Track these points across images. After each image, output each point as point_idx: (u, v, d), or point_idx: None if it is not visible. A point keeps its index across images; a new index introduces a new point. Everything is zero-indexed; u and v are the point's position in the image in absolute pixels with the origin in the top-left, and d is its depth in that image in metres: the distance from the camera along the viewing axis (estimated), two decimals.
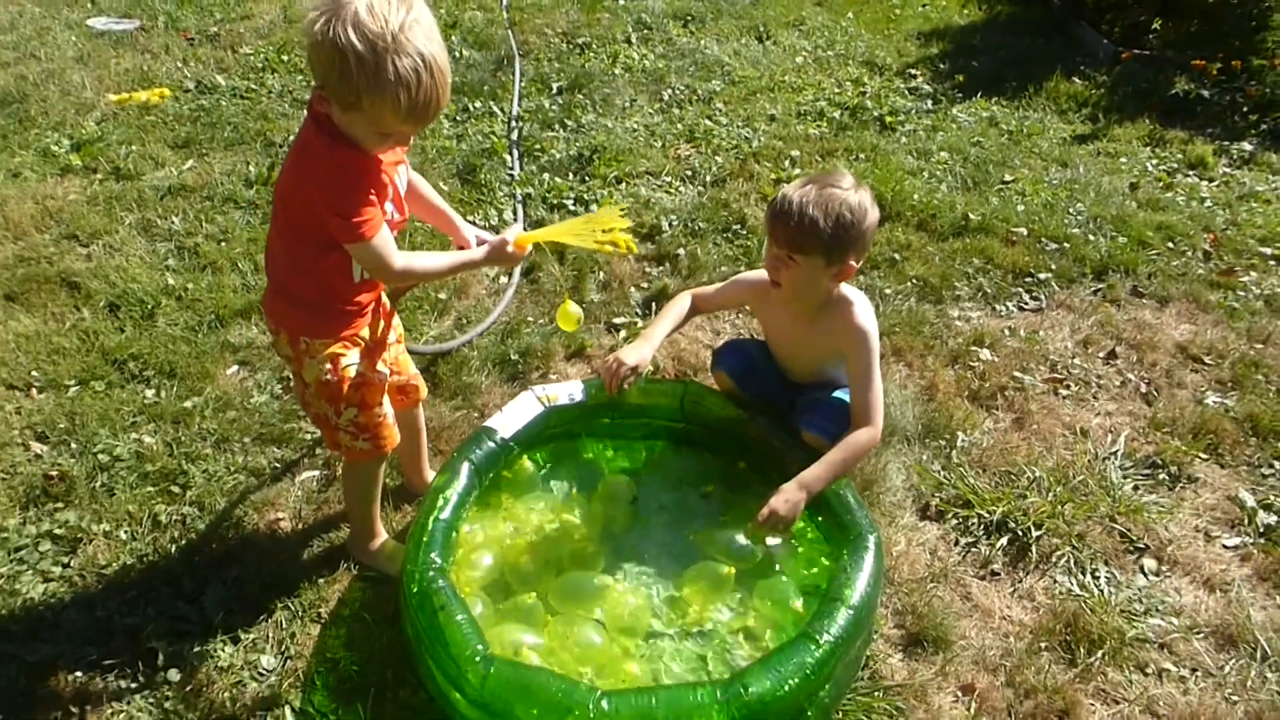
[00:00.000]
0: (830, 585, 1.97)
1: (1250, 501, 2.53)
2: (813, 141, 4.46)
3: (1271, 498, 2.55)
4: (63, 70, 4.94)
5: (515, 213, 3.68)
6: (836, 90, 5.09)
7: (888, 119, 4.74)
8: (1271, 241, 3.76)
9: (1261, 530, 2.45)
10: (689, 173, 4.13)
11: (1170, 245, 3.72)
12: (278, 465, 2.56)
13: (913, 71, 5.40)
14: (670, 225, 3.68)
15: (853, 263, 2.18)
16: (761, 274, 2.35)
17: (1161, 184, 4.23)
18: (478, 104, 4.69)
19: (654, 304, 3.26)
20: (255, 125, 4.40)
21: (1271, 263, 3.64)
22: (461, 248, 2.08)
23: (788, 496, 2.12)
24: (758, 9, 6.33)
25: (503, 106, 4.68)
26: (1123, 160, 4.44)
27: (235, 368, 2.92)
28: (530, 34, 5.65)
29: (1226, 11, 5.77)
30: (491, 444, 2.27)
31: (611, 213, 2.15)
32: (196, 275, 3.32)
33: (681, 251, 3.51)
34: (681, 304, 2.50)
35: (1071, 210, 3.93)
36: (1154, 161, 4.45)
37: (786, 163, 4.20)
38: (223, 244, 3.50)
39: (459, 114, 4.57)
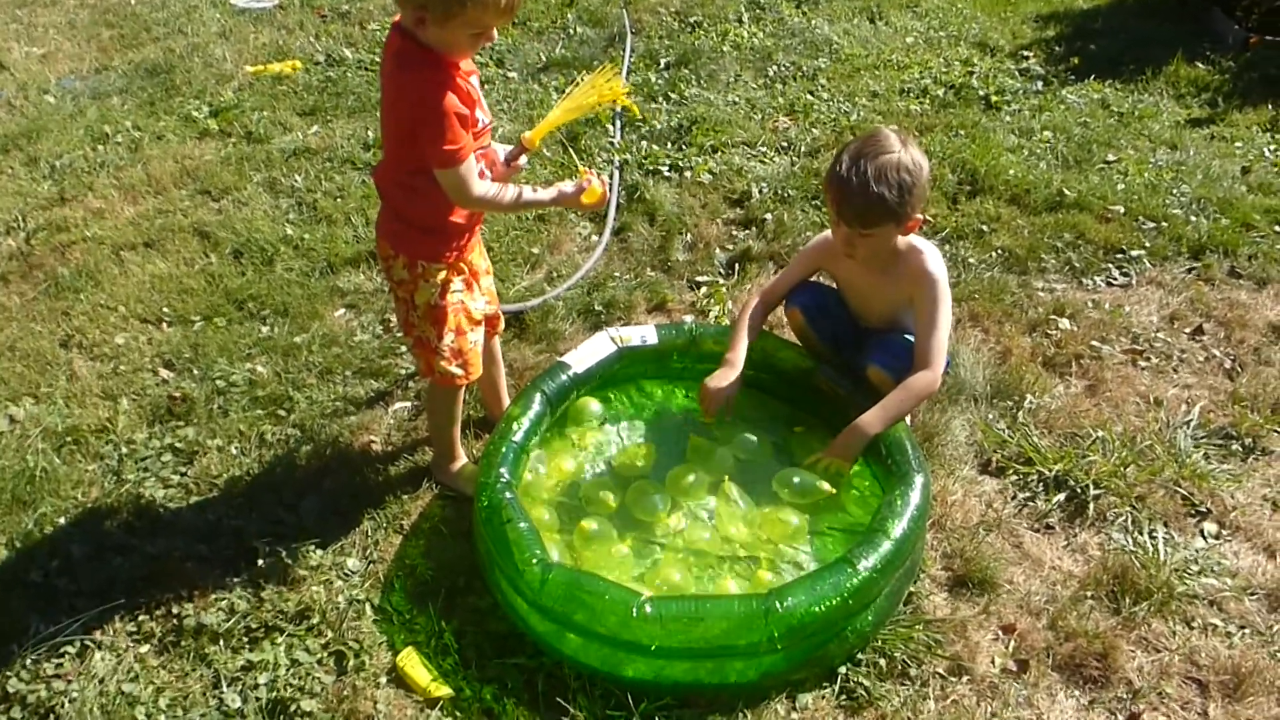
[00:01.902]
0: (875, 517, 2.05)
1: None
2: (913, 117, 4.47)
3: None
4: (206, 44, 5.34)
5: (611, 177, 3.82)
6: (944, 70, 5.06)
7: (993, 98, 4.69)
8: None
9: None
10: (784, 144, 4.20)
11: (1277, 229, 3.60)
12: (373, 395, 2.78)
13: (1025, 53, 5.31)
14: (760, 192, 3.77)
15: (919, 215, 2.24)
16: (824, 236, 2.44)
17: (1277, 169, 4.07)
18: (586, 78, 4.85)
19: (737, 265, 3.36)
20: (376, 95, 4.67)
21: None
22: (492, 163, 2.17)
23: (846, 439, 2.22)
24: None
25: None
26: (1238, 145, 4.29)
27: (342, 310, 3.17)
28: (644, 12, 5.79)
29: None
30: (564, 377, 2.43)
31: (605, 74, 2.22)
32: (313, 227, 3.59)
33: (769, 216, 3.60)
34: (752, 311, 2.51)
35: (1175, 191, 3.84)
36: (1272, 147, 4.28)
37: None
38: (339, 200, 3.76)
39: (568, 87, 4.74)
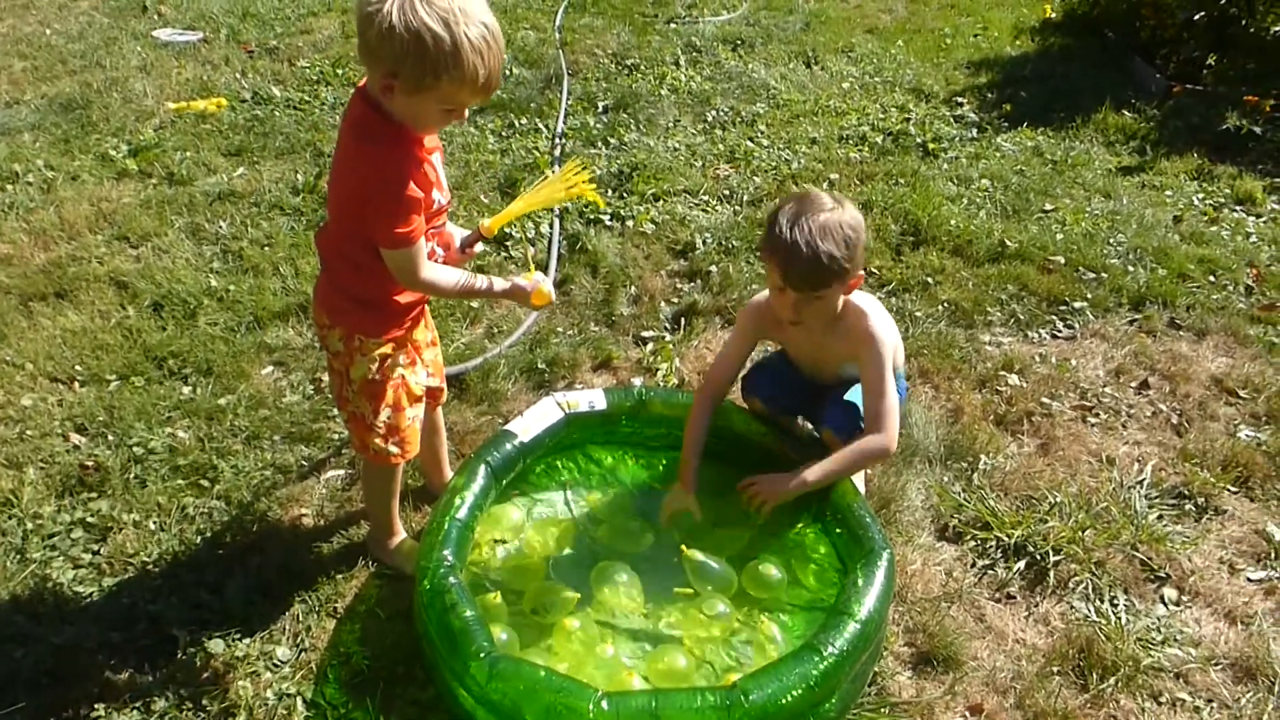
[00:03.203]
0: (839, 598, 1.97)
1: (1278, 535, 2.48)
2: (853, 165, 4.47)
3: None
4: (126, 79, 5.13)
5: (551, 227, 3.72)
6: (881, 116, 5.09)
7: (931, 145, 4.73)
8: None
9: None
10: (726, 192, 4.16)
11: (1212, 279, 3.66)
12: (304, 463, 2.62)
13: (960, 99, 5.39)
14: (704, 243, 3.71)
15: (860, 273, 2.19)
16: (756, 304, 2.38)
17: (1207, 218, 4.16)
18: (523, 120, 4.77)
19: (683, 319, 3.28)
20: (306, 135, 4.52)
21: None
22: (446, 245, 2.10)
23: (776, 478, 2.18)
24: (808, 35, 6.36)
25: (548, 124, 4.75)
26: (1168, 193, 4.38)
27: (270, 368, 3.00)
28: (581, 54, 5.74)
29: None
30: (510, 447, 2.31)
31: (572, 167, 2.17)
32: (239, 278, 3.42)
33: (714, 269, 3.54)
34: (699, 412, 2.39)
35: (1112, 241, 3.88)
36: (1200, 195, 4.38)
37: (824, 184, 4.22)
38: (266, 249, 3.59)
39: (504, 129, 4.66)
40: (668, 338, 3.19)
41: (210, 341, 3.08)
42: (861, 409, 2.27)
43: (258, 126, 4.63)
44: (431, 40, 1.60)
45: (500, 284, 2.04)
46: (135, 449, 2.64)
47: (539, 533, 2.31)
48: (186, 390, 2.88)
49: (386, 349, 2.02)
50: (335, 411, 2.76)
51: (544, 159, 4.31)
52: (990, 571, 2.35)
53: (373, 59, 1.69)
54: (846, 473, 2.20)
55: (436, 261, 1.98)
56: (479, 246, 2.14)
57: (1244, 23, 5.88)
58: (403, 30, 1.60)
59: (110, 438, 2.69)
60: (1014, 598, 2.29)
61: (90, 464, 2.59)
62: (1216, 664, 2.13)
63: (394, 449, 2.11)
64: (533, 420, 2.37)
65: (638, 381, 2.97)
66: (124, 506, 2.46)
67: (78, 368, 2.97)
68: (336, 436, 2.70)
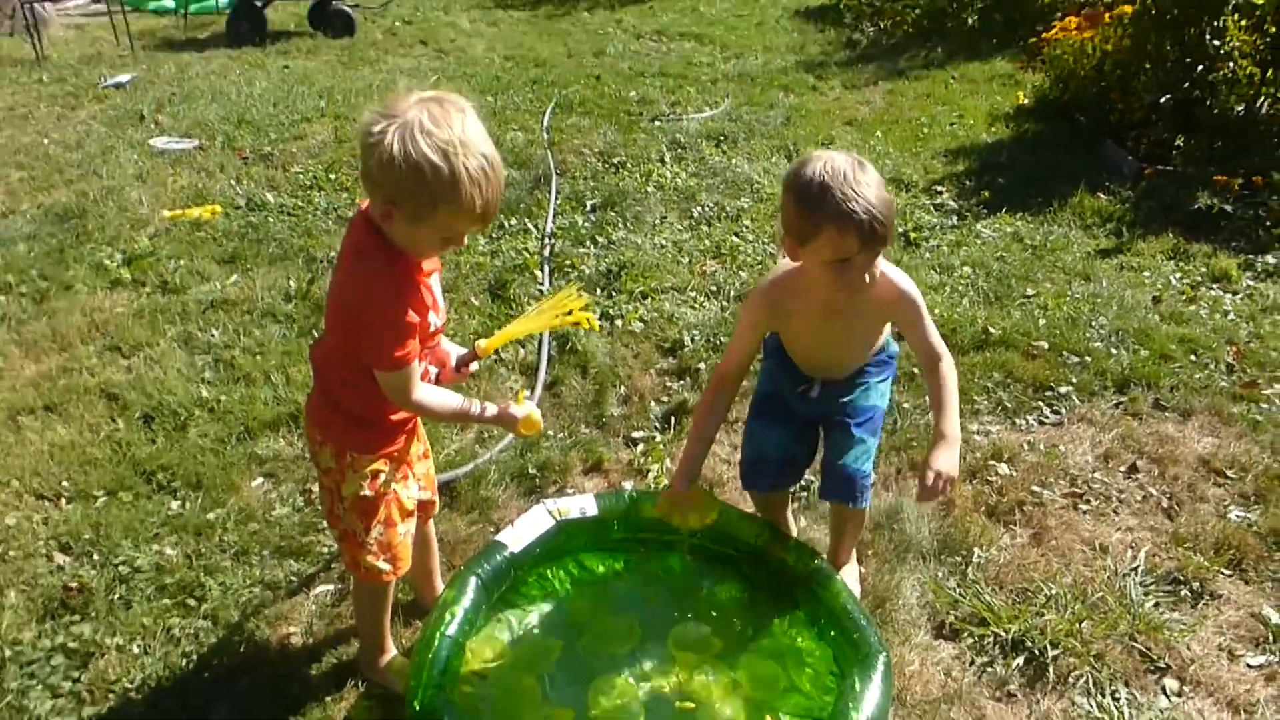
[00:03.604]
0: (836, 707, 1.95)
1: (1275, 618, 2.46)
2: None
3: None
4: (122, 187, 5.23)
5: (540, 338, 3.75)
6: None
7: (912, 234, 4.83)
8: None
9: None
10: (713, 288, 4.22)
11: (1193, 358, 3.70)
12: (294, 579, 2.60)
13: (939, 188, 5.51)
14: (693, 340, 3.75)
15: None
16: (768, 291, 2.28)
17: (1185, 297, 4.23)
18: (513, 221, 4.86)
19: (673, 418, 3.30)
20: (299, 241, 4.60)
21: None
22: (442, 363, 2.13)
23: (943, 458, 2.10)
24: (789, 129, 6.53)
25: (537, 224, 4.84)
26: (1146, 274, 4.46)
27: (260, 480, 3.00)
28: (568, 154, 5.88)
29: (1248, 128, 5.84)
30: (500, 558, 2.30)
31: (569, 293, 2.21)
32: (230, 388, 3.44)
33: (703, 366, 3.57)
34: (708, 408, 2.40)
35: (1094, 324, 3.93)
36: (1177, 275, 4.46)
37: None
38: (258, 356, 3.62)
39: (494, 231, 4.74)
40: (658, 438, 3.20)
41: (200, 454, 3.08)
42: (858, 470, 2.31)
43: (251, 233, 4.70)
44: (430, 171, 1.65)
45: (491, 409, 2.05)
46: (121, 568, 2.62)
47: (530, 650, 2.28)
48: (175, 505, 2.87)
49: (379, 465, 2.03)
50: (324, 524, 2.75)
51: (534, 259, 4.38)
52: (989, 669, 2.33)
53: (373, 186, 1.74)
54: (957, 399, 2.23)
55: (430, 380, 2.01)
56: (474, 366, 2.17)
57: (1208, 104, 6.07)
58: (402, 161, 1.65)
59: (95, 557, 2.67)
60: (1014, 696, 2.26)
61: (74, 585, 2.57)
62: None
63: (385, 566, 2.10)
64: (524, 529, 2.37)
65: (629, 484, 2.97)
66: (107, 629, 2.42)
67: (65, 484, 2.96)
68: (326, 550, 2.69)
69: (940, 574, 2.61)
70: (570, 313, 2.20)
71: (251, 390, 3.42)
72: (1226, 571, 2.65)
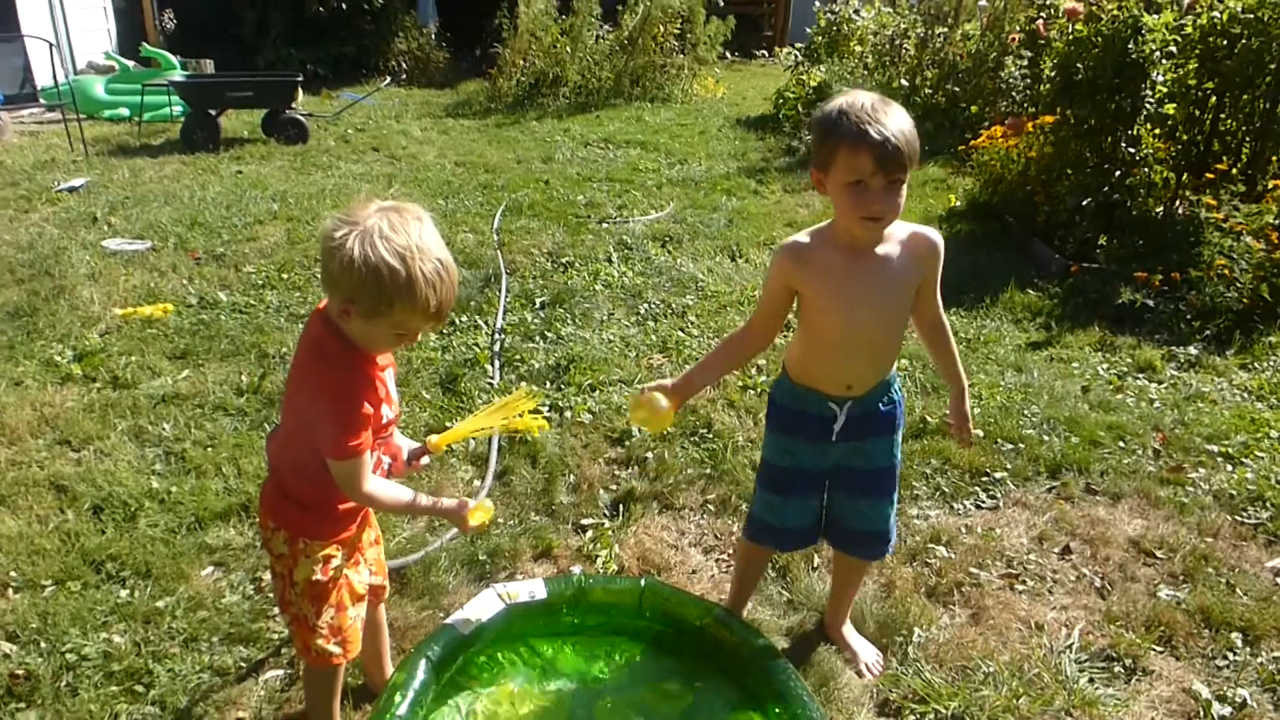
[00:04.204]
0: None
1: (1205, 693, 2.55)
2: (778, 350, 4.70)
3: (1225, 689, 2.58)
4: (74, 286, 5.25)
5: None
6: None
7: None
8: (1218, 439, 3.91)
9: None
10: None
11: (1121, 444, 3.87)
12: (243, 664, 2.59)
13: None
14: (640, 430, 3.84)
15: None
16: (797, 249, 2.22)
17: (1112, 387, 4.43)
18: (464, 318, 4.96)
19: (621, 505, 3.36)
20: (251, 338, 4.64)
21: (1219, 459, 3.78)
22: (394, 456, 2.20)
23: (961, 409, 2.53)
24: (731, 230, 6.79)
25: (487, 320, 4.95)
26: (1075, 365, 4.67)
27: (210, 569, 2.99)
28: (518, 254, 6.04)
29: (1165, 228, 6.20)
30: (450, 641, 2.32)
31: (521, 394, 2.30)
32: (181, 479, 3.44)
33: (650, 455, 3.65)
34: (726, 353, 2.46)
35: (1026, 412, 4.11)
36: (1105, 366, 4.68)
37: (753, 370, 4.43)
38: (209, 449, 3.63)
39: (446, 328, 4.83)
40: (606, 524, 3.26)
41: (150, 544, 3.06)
42: (889, 529, 2.51)
43: (203, 330, 4.74)
44: (388, 273, 1.77)
45: (444, 503, 2.10)
46: (68, 655, 2.58)
47: None
48: (124, 593, 2.84)
49: (331, 550, 2.07)
50: (275, 610, 2.74)
51: (484, 354, 4.47)
52: None
53: (333, 287, 1.85)
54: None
55: (383, 470, 2.07)
56: (424, 460, 2.24)
57: (1128, 205, 6.45)
58: (361, 264, 1.76)
59: (43, 645, 2.63)
60: None
61: (20, 673, 2.52)
62: None
63: (336, 649, 2.12)
64: (473, 612, 2.40)
65: (577, 569, 3.02)
66: (54, 716, 2.39)
67: (13, 574, 2.92)
68: (276, 636, 2.68)
69: (881, 655, 2.67)
70: (522, 415, 2.29)
71: (202, 481, 3.42)
72: (1158, 648, 2.74)
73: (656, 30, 12.88)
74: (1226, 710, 2.51)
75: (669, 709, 2.39)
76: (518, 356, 4.50)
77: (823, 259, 2.20)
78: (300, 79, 9.73)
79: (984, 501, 3.50)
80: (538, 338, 4.75)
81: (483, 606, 2.42)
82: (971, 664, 2.63)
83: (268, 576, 2.85)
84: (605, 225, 6.74)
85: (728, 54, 15.14)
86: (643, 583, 2.56)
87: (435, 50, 14.30)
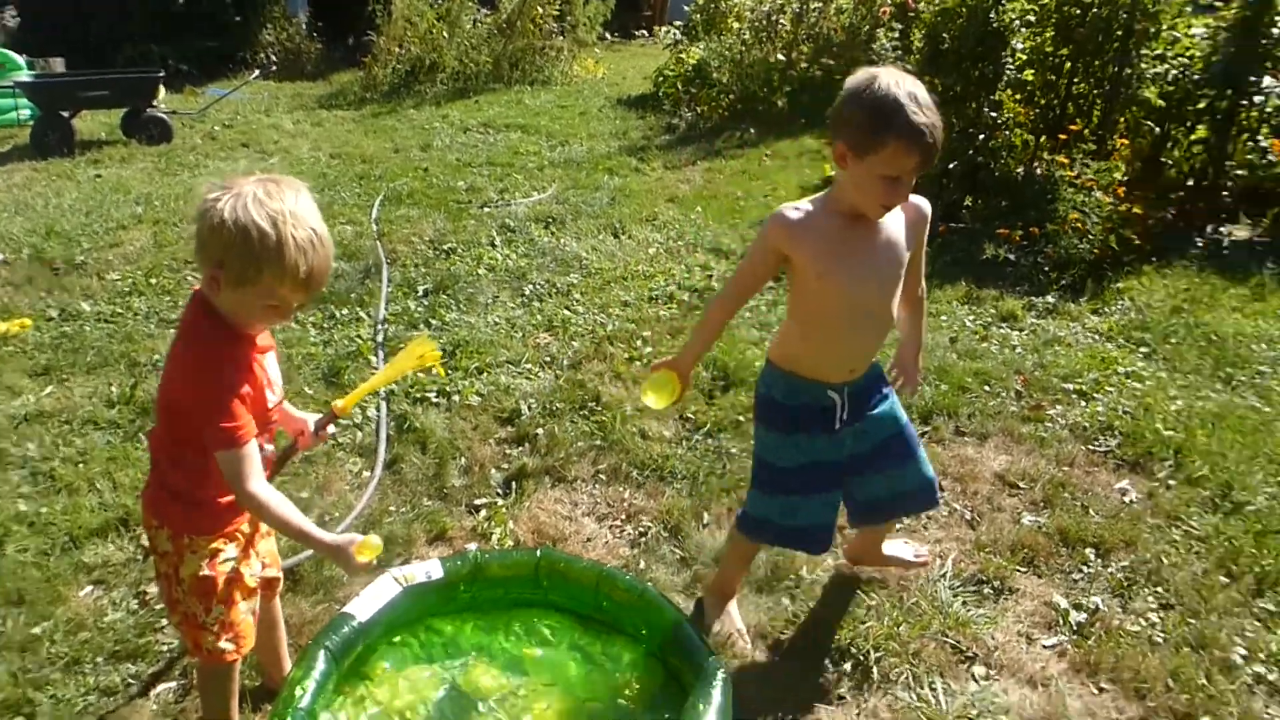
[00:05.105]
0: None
1: (1063, 604, 2.77)
2: (663, 322, 4.79)
3: (1081, 599, 2.81)
4: None
5: (379, 410, 3.80)
6: (686, 275, 5.49)
7: None
8: (1073, 378, 4.18)
9: (1074, 628, 2.69)
10: (547, 359, 4.37)
11: (987, 389, 4.09)
12: (132, 681, 2.52)
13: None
14: (529, 408, 3.87)
15: None
16: (805, 224, 2.18)
17: (978, 336, 4.67)
18: (344, 311, 4.89)
19: (514, 483, 3.39)
20: (120, 347, 4.48)
21: (1074, 396, 4.04)
22: (300, 431, 2.19)
23: (910, 363, 2.63)
24: (614, 208, 6.84)
25: (369, 312, 4.89)
26: (944, 318, 4.89)
27: (90, 588, 2.90)
28: (399, 243, 5.96)
29: (1025, 187, 6.54)
30: (348, 629, 2.31)
31: (420, 340, 2.30)
32: (51, 499, 3.31)
33: (540, 431, 3.69)
34: (713, 322, 2.44)
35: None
36: (971, 317, 4.92)
37: (639, 342, 4.50)
38: (80, 466, 3.51)
39: (325, 321, 4.76)
40: (500, 503, 3.29)
41: (21, 569, 2.95)
42: (933, 477, 2.59)
43: (66, 343, 4.55)
44: (257, 234, 1.76)
45: (331, 539, 2.00)
46: None
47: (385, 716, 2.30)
48: None
49: (218, 544, 2.04)
50: (163, 623, 2.69)
51: (367, 346, 4.42)
52: (822, 678, 2.50)
53: (204, 252, 1.83)
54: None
55: (272, 455, 2.04)
56: (332, 428, 2.22)
57: (991, 168, 6.77)
58: (231, 224, 1.75)
59: None
60: (844, 699, 2.43)
61: None
62: None
63: (228, 645, 2.09)
64: (370, 599, 2.40)
65: (473, 547, 3.04)
66: None
67: None
68: (166, 648, 2.62)
69: (772, 602, 2.78)
70: (423, 357, 2.29)
71: (75, 499, 3.30)
72: (1021, 569, 2.95)
73: (535, 12, 12.79)
74: (1082, 616, 2.73)
75: (574, 672, 2.45)
76: (401, 345, 4.45)
77: (821, 227, 2.18)
78: (162, 75, 9.34)
79: None
80: (422, 325, 4.72)
81: (379, 592, 2.42)
82: (856, 600, 2.77)
83: (153, 589, 2.79)
84: (487, 210, 6.71)
85: (607, 35, 15.13)
86: (538, 553, 2.60)
87: (306, 41, 13.84)
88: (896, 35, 9.94)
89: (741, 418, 3.82)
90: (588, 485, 3.42)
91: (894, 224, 2.24)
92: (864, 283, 2.23)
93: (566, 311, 4.92)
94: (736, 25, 11.92)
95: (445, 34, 12.13)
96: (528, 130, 9.61)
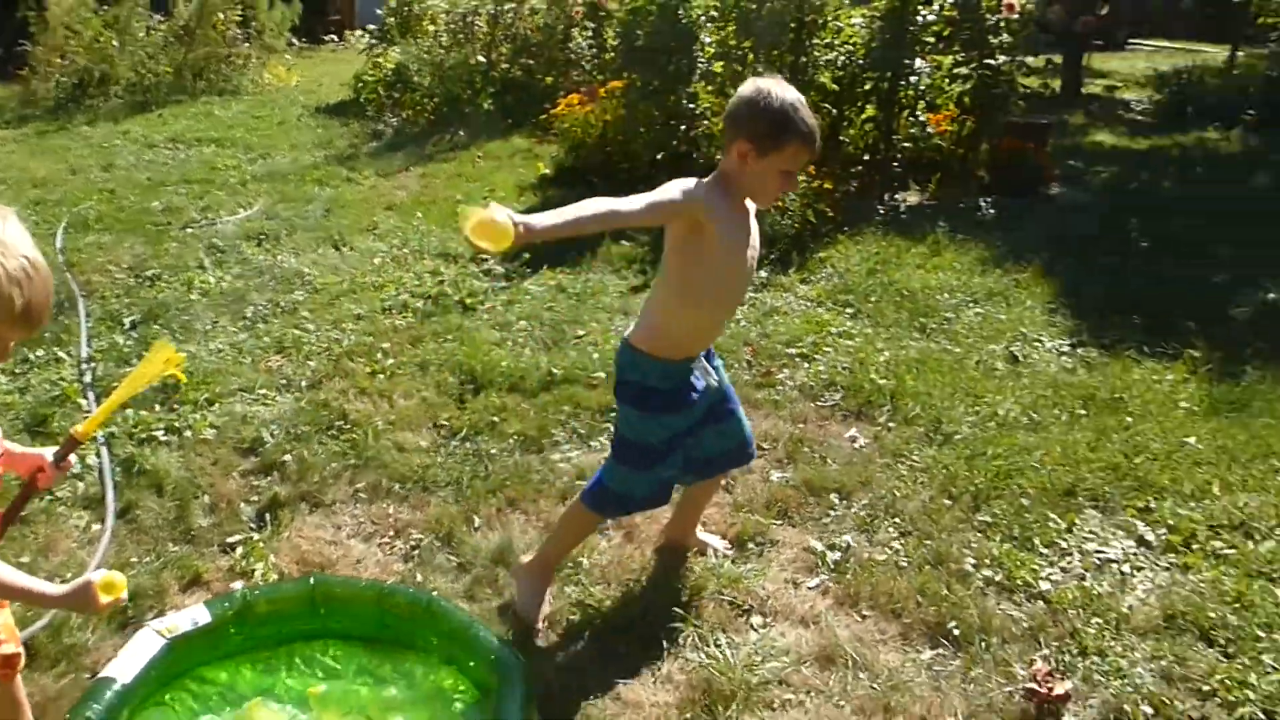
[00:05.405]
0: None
1: (819, 547, 3.05)
2: (401, 332, 4.70)
3: (834, 540, 3.10)
4: None
5: (100, 456, 3.46)
6: (417, 283, 5.41)
7: (468, 301, 5.13)
8: (794, 343, 4.56)
9: (832, 567, 2.97)
10: (283, 382, 4.16)
11: (721, 361, 4.35)
12: None
13: (483, 256, 5.89)
14: (272, 435, 3.67)
15: None
16: (714, 192, 2.39)
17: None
18: (39, 353, 4.37)
19: (267, 515, 3.21)
20: None
21: (797, 359, 4.42)
22: (36, 468, 1.96)
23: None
24: (331, 220, 6.60)
25: (69, 351, 4.41)
26: None
27: None
28: (93, 273, 5.42)
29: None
30: (110, 694, 2.11)
31: (156, 349, 2.09)
32: None
33: (288, 457, 3.52)
34: (593, 209, 2.20)
35: None
36: None
37: (379, 355, 4.39)
38: None
39: (18, 365, 4.24)
40: (255, 537, 3.10)
41: None
42: (748, 435, 2.88)
43: None
44: None
45: (59, 589, 1.82)
46: None
47: None
48: None
49: None
50: None
51: (73, 388, 3.99)
52: (614, 651, 2.59)
53: None
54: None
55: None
56: (73, 458, 1.99)
57: (694, 155, 7.19)
58: None
59: None
60: (639, 670, 2.53)
61: None
62: (805, 663, 2.55)
63: None
64: (130, 658, 2.20)
65: (239, 585, 2.86)
66: None
67: None
68: None
69: (555, 588, 2.84)
70: (166, 363, 2.09)
71: None
72: (778, 522, 3.20)
73: (215, 18, 11.98)
74: (837, 555, 3.02)
75: (367, 698, 2.38)
76: (115, 384, 4.06)
77: (726, 207, 2.43)
78: None
79: None
80: (135, 359, 4.32)
81: (140, 649, 2.22)
82: (633, 576, 2.89)
83: None
84: (190, 230, 6.24)
85: (295, 40, 14.42)
86: (311, 580, 2.51)
87: None
88: (590, 34, 10.29)
89: (496, 418, 3.84)
90: (348, 506, 3.31)
91: (753, 212, 2.57)
92: (748, 258, 2.54)
93: (297, 331, 4.70)
94: (432, 28, 11.84)
95: (115, 42, 11.09)
96: (223, 143, 9.01)
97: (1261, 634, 2.67)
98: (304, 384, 4.13)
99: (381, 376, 4.21)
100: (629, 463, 2.66)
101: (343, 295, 5.19)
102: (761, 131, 2.33)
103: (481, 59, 11.04)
